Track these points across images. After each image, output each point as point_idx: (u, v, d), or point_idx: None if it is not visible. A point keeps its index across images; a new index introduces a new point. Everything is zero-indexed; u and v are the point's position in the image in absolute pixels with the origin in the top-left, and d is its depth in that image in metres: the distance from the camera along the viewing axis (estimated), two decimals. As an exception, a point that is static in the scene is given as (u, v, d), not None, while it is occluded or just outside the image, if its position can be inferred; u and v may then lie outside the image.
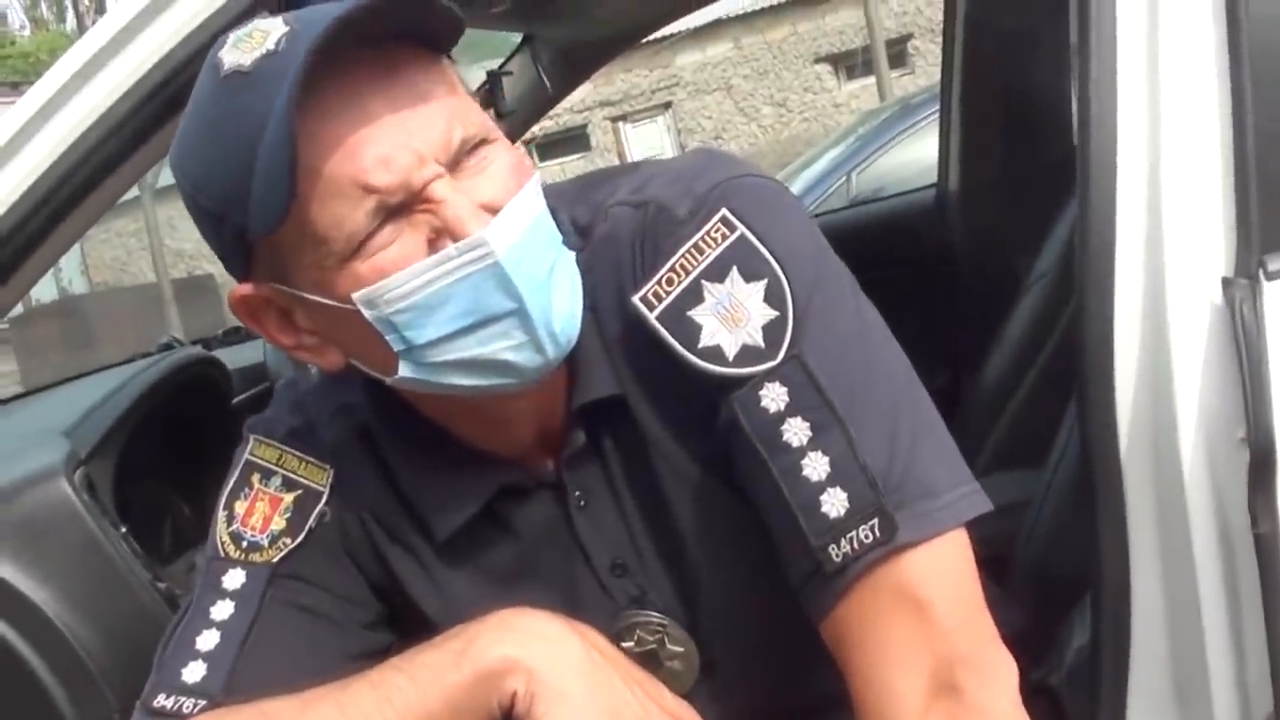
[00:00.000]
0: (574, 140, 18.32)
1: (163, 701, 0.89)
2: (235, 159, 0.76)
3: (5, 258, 1.22)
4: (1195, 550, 1.00)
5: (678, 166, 0.92)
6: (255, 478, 0.96)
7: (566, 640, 0.84)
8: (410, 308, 0.80)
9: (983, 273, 2.30)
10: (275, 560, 0.93)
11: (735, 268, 0.83)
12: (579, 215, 0.92)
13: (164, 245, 14.02)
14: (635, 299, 0.85)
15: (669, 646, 0.94)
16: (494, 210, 0.80)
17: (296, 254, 0.81)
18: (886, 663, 0.79)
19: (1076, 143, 1.05)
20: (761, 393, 0.82)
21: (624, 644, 0.92)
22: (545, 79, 2.24)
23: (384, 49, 0.79)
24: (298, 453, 0.96)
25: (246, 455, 0.97)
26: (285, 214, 0.77)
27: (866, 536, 0.79)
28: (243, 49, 0.78)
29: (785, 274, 0.83)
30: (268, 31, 0.78)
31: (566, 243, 0.87)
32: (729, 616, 0.93)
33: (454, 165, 0.80)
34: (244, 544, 0.93)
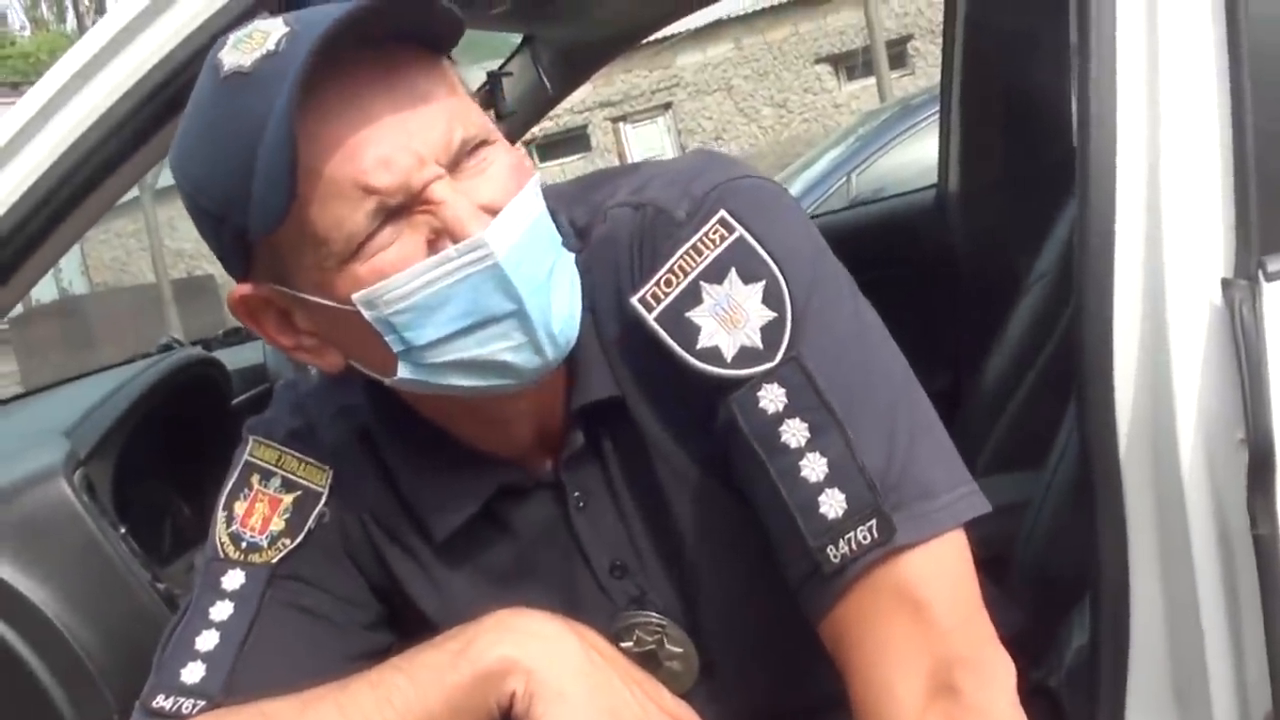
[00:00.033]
0: (574, 141, 18.32)
1: (162, 702, 0.89)
2: (235, 160, 0.76)
3: (5, 258, 1.22)
4: (1194, 551, 1.00)
5: (677, 168, 0.92)
6: (254, 479, 0.96)
7: (565, 640, 0.84)
8: (410, 309, 0.80)
9: (983, 273, 2.30)
10: (274, 561, 0.93)
11: (733, 269, 0.83)
12: (578, 216, 0.92)
13: (164, 245, 14.01)
14: (634, 300, 0.85)
15: (668, 647, 0.94)
16: (494, 211, 0.80)
17: (296, 255, 0.81)
18: (885, 663, 0.79)
19: (1076, 143, 1.05)
20: (760, 394, 0.82)
21: (623, 644, 0.92)
22: (545, 80, 2.24)
23: (384, 50, 0.79)
24: (297, 454, 0.96)
25: (246, 456, 0.97)
26: (285, 215, 0.77)
27: (864, 537, 0.79)
28: (243, 50, 0.78)
29: (783, 275, 0.83)
30: (268, 32, 0.78)
31: (566, 244, 0.87)
32: (728, 617, 0.93)
33: (454, 166, 0.80)
34: (243, 545, 0.93)
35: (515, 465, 0.93)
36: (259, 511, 0.94)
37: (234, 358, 2.25)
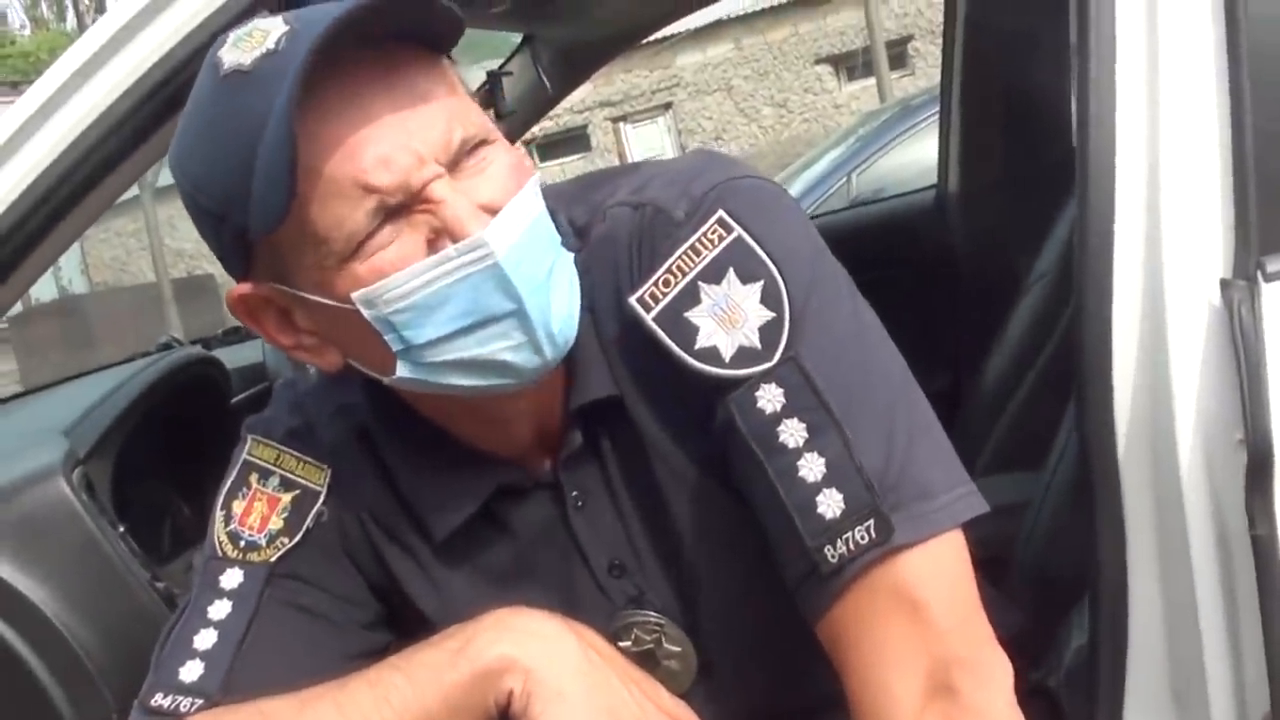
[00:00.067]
0: (574, 141, 18.32)
1: (160, 701, 0.89)
2: (235, 158, 0.76)
3: (5, 256, 1.22)
4: (1193, 552, 1.00)
5: (676, 168, 0.92)
6: (253, 477, 0.96)
7: (563, 639, 0.84)
8: (409, 308, 0.80)
9: (983, 274, 2.30)
10: (273, 560, 0.93)
11: (732, 269, 0.83)
12: (577, 216, 0.92)
13: (164, 245, 14.02)
14: (632, 300, 0.85)
15: (666, 646, 0.94)
16: (493, 211, 0.80)
17: (296, 254, 0.81)
18: (882, 664, 0.79)
19: (1076, 143, 1.05)
20: (758, 394, 0.82)
21: (621, 644, 0.92)
22: (545, 79, 2.24)
23: (384, 49, 0.79)
24: (296, 453, 0.96)
25: (244, 455, 0.97)
26: (285, 214, 0.77)
27: (862, 537, 0.79)
28: (242, 48, 0.78)
29: (782, 275, 0.83)
30: (268, 31, 0.78)
31: (565, 243, 0.87)
32: (726, 617, 0.93)
33: (454, 166, 0.80)
34: (242, 543, 0.93)
35: (514, 465, 0.93)
36: (257, 510, 0.94)
37: (233, 357, 2.25)
